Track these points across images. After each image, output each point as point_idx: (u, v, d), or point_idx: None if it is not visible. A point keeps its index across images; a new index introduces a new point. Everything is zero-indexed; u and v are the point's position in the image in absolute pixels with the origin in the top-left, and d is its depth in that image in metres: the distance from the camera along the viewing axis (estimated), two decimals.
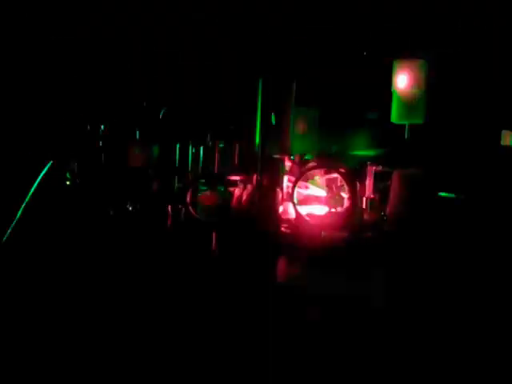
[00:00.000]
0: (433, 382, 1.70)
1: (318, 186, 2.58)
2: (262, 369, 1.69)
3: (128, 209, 2.54)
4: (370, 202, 2.47)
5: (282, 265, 2.36)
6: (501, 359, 1.73)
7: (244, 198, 2.43)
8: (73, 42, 2.65)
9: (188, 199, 2.50)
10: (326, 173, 2.56)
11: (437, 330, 1.86)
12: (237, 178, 2.52)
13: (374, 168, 2.49)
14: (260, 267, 2.26)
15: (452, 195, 2.39)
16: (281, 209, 2.52)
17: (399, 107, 2.52)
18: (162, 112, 2.65)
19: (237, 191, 2.47)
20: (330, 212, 2.53)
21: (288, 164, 2.59)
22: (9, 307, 1.93)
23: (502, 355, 1.75)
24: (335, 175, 2.53)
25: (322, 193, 2.57)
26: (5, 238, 2.34)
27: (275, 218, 2.45)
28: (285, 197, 2.56)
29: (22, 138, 2.60)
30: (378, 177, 2.49)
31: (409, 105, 2.50)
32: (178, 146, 2.58)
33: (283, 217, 2.52)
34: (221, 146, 2.59)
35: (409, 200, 2.36)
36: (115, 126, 2.63)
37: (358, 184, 2.49)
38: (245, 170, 2.53)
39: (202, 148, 2.58)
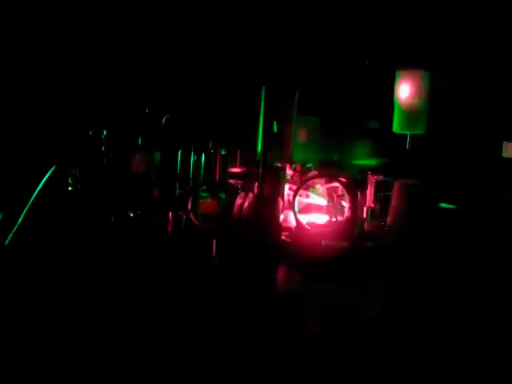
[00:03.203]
0: None
1: (318, 194, 2.58)
2: (260, 379, 1.69)
3: (129, 215, 2.54)
4: (371, 211, 2.48)
5: (281, 274, 2.36)
6: (499, 370, 1.73)
7: (245, 206, 2.43)
8: (76, 48, 2.66)
9: (189, 206, 2.50)
10: (327, 182, 2.56)
11: (437, 341, 1.86)
12: (238, 186, 2.53)
13: (375, 178, 2.50)
14: (260, 276, 2.26)
15: (453, 206, 2.39)
16: (281, 217, 2.53)
17: (401, 117, 2.53)
18: (164, 119, 2.65)
19: (238, 199, 2.47)
20: (330, 221, 2.53)
21: (289, 172, 2.59)
22: (10, 311, 1.93)
23: (500, 366, 1.74)
24: (336, 184, 2.53)
25: (322, 202, 2.57)
26: (6, 242, 2.34)
27: (276, 227, 2.45)
28: (286, 205, 2.56)
29: (25, 143, 2.61)
30: (378, 186, 2.49)
31: (410, 115, 2.51)
32: (179, 152, 2.58)
33: (284, 225, 2.53)
34: (223, 153, 2.59)
35: (409, 210, 2.36)
36: (117, 132, 2.63)
37: (358, 193, 2.50)
38: (246, 177, 2.54)
39: (203, 155, 2.59)
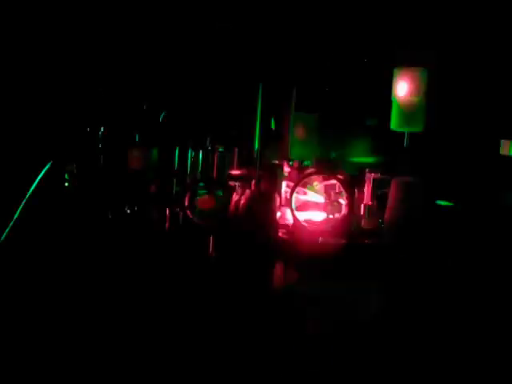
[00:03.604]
0: None
1: (316, 192, 2.58)
2: (257, 376, 1.69)
3: (126, 212, 2.54)
4: (368, 209, 2.48)
5: (278, 271, 2.36)
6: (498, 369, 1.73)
7: (242, 202, 2.43)
8: (73, 44, 2.66)
9: (186, 203, 2.50)
10: (325, 179, 2.56)
11: (436, 339, 1.86)
12: (235, 182, 2.52)
13: (372, 175, 2.50)
14: (257, 273, 2.26)
15: (450, 204, 2.39)
16: (279, 214, 2.52)
17: (398, 115, 2.52)
18: (161, 115, 2.65)
19: (235, 196, 2.47)
20: (327, 218, 2.53)
21: (287, 169, 2.59)
22: (6, 308, 1.93)
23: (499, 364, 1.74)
24: (334, 181, 2.53)
25: (320, 199, 2.57)
26: (2, 239, 2.34)
27: (273, 224, 2.44)
28: (283, 202, 2.56)
29: (22, 139, 2.60)
30: (376, 184, 2.49)
31: (408, 112, 2.51)
32: (177, 149, 2.58)
33: (281, 222, 2.52)
34: (220, 150, 2.59)
35: (407, 208, 2.36)
36: (115, 129, 2.63)
37: (356, 191, 2.50)
38: (243, 174, 2.54)
39: (201, 152, 2.58)
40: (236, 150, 2.56)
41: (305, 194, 2.58)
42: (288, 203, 2.52)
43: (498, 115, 2.56)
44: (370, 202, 2.48)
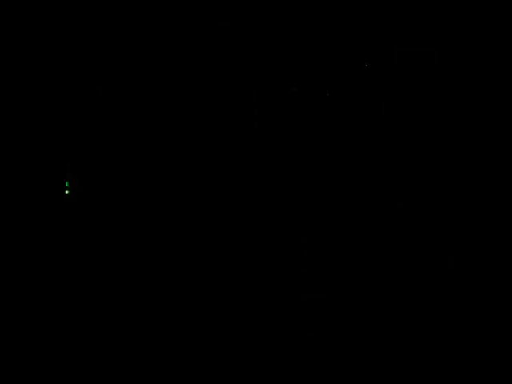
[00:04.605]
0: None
1: None
2: (260, 379, 1.70)
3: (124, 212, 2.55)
4: None
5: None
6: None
7: None
8: (75, 47, 2.66)
9: None
10: None
11: (435, 338, 1.87)
12: None
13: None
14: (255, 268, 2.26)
15: (449, 203, 2.40)
16: None
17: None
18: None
19: None
20: None
21: None
22: (8, 312, 1.93)
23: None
24: None
25: None
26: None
27: None
28: None
29: (22, 139, 2.60)
30: None
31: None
32: None
33: None
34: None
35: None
36: (115, 131, 2.63)
37: None
38: None
39: None
40: None
41: None
42: None
43: (499, 116, 2.57)
44: None
